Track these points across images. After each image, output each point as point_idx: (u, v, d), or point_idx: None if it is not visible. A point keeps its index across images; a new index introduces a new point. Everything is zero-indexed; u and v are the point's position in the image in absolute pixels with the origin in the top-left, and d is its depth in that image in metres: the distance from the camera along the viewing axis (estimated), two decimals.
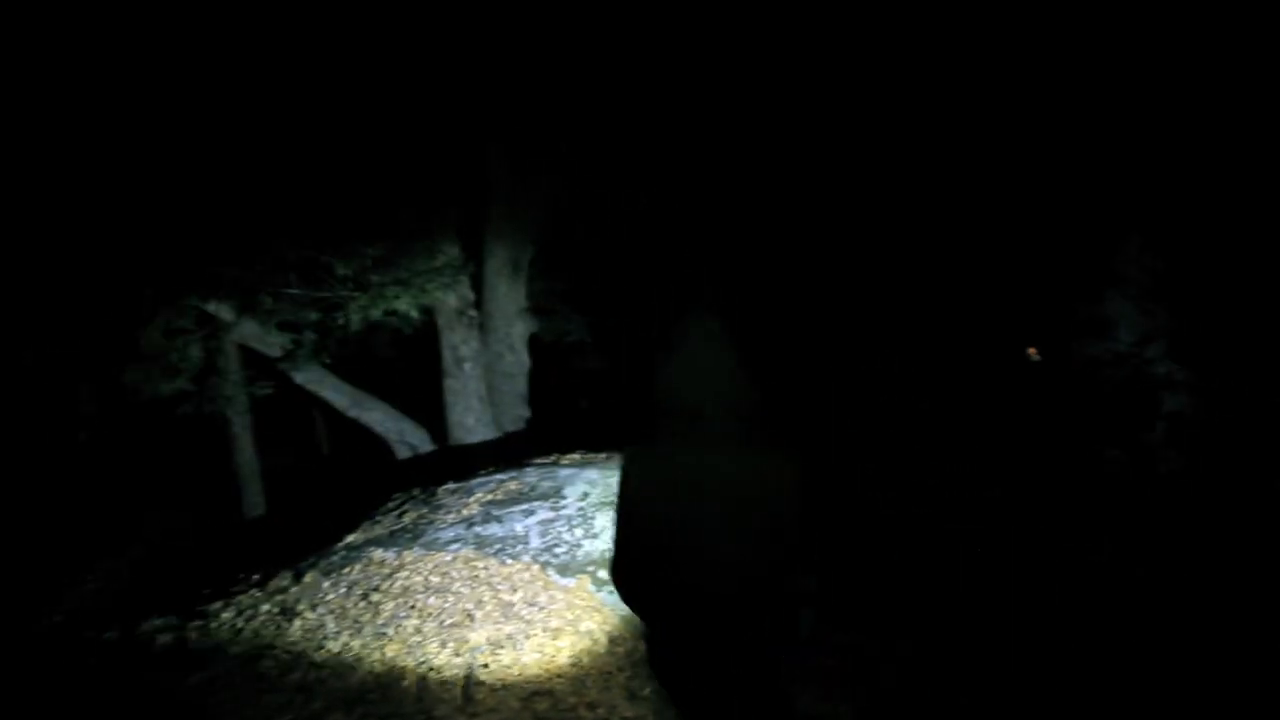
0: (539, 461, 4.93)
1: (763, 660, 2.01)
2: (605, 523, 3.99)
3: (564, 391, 9.65)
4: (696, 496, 1.88)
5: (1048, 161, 8.39)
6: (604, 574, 3.78)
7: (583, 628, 3.37)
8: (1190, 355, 8.59)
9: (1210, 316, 8.41)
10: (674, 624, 2.01)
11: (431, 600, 3.47)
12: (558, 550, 3.86)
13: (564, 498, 4.26)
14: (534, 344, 7.58)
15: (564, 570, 3.73)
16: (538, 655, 3.18)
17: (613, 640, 3.34)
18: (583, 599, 3.55)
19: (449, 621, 3.34)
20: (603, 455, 4.91)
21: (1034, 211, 8.86)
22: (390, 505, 4.65)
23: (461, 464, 5.43)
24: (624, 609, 2.97)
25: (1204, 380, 8.48)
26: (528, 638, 3.27)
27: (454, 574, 3.65)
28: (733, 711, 2.02)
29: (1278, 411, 7.10)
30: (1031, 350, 10.55)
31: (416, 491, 4.76)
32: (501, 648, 3.20)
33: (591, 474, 4.45)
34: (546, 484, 4.42)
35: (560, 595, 3.54)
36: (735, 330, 2.02)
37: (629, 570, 1.99)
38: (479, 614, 3.39)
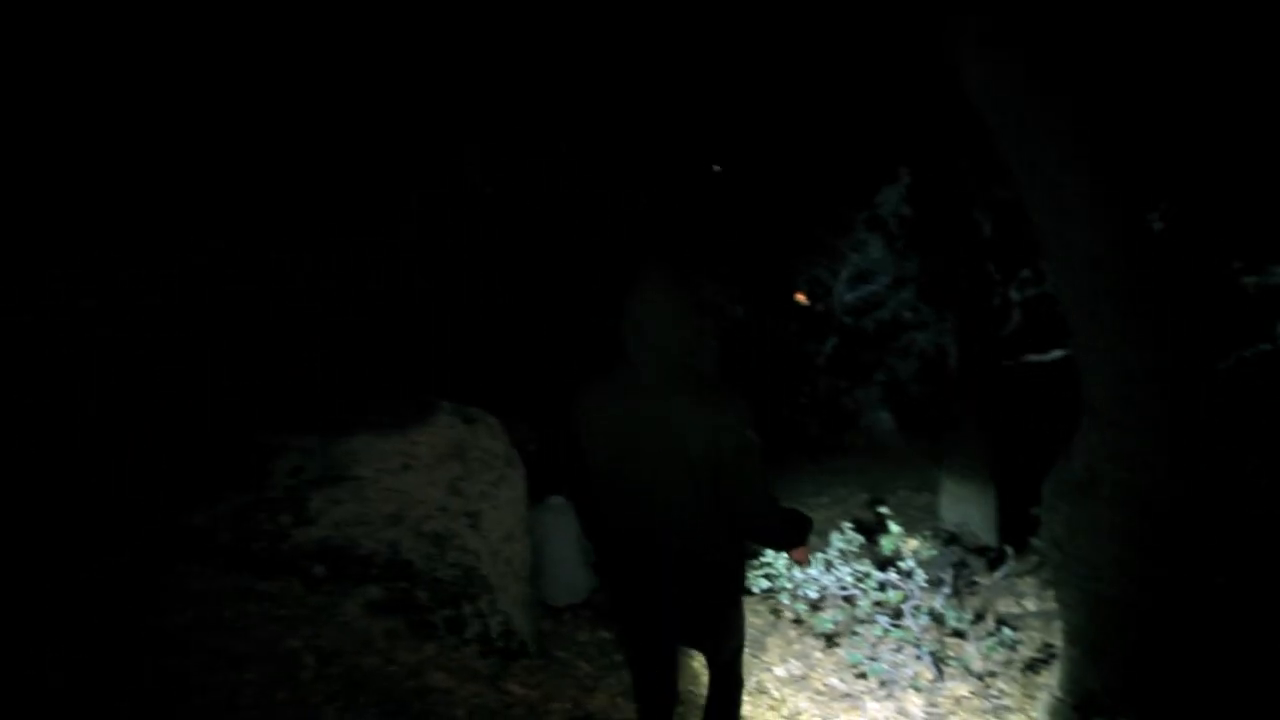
0: None
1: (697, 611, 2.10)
2: (323, 504, 3.25)
3: None
4: (637, 441, 1.94)
5: (819, 115, 8.37)
6: (321, 570, 3.06)
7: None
8: (935, 297, 9.17)
9: (953, 260, 8.92)
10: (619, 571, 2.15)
11: None
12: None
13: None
14: None
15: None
16: None
17: None
18: (286, 608, 2.81)
19: None
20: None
21: (810, 161, 8.87)
22: None
23: None
24: None
25: (944, 319, 9.14)
26: None
27: None
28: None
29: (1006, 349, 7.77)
30: (800, 295, 10.85)
31: None
32: None
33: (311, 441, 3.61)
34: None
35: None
36: (689, 282, 1.99)
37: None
38: None
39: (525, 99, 7.02)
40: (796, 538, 2.16)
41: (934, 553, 3.47)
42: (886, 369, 9.31)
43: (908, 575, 3.47)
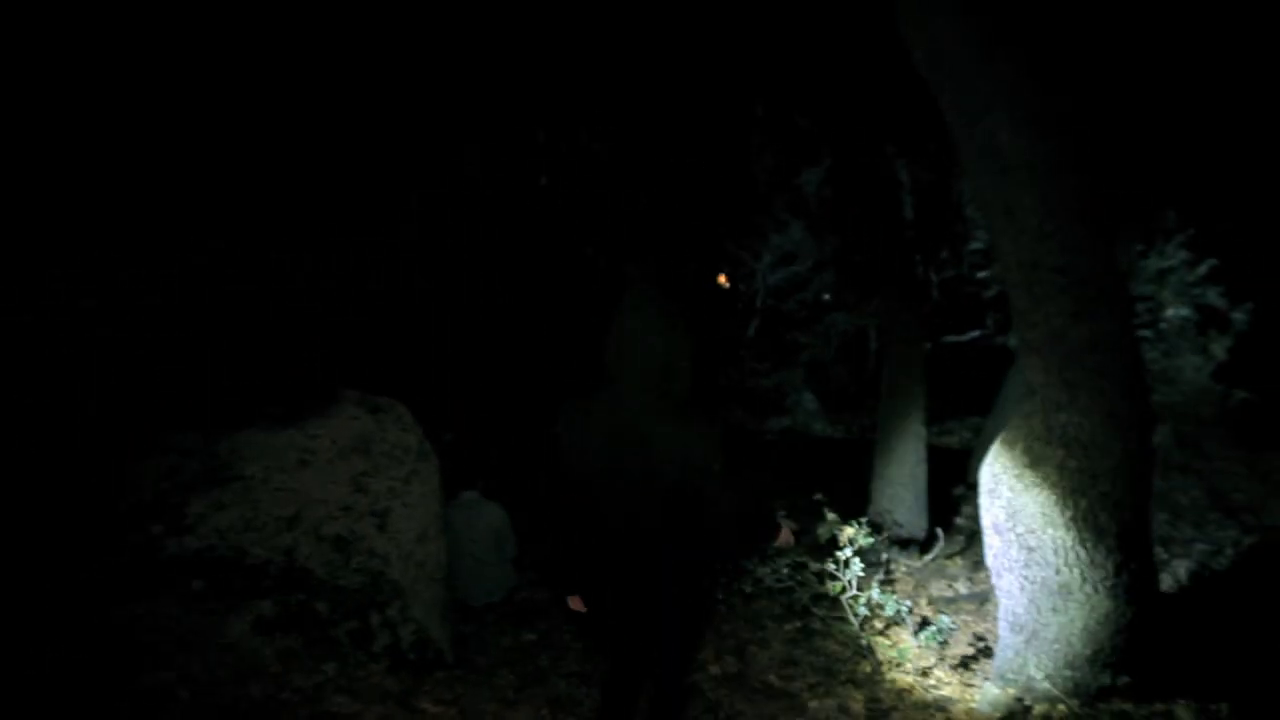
0: None
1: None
2: (205, 510, 2.84)
3: None
4: (621, 453, 1.99)
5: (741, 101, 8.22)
6: (200, 585, 2.66)
7: None
8: (853, 279, 9.19)
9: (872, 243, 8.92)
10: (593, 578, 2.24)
11: None
12: None
13: None
14: None
15: None
16: None
17: None
18: (156, 633, 2.40)
19: None
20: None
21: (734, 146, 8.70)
22: None
23: None
24: None
25: (864, 301, 9.17)
26: None
27: None
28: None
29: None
30: (722, 278, 10.73)
31: None
32: None
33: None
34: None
35: None
36: (672, 302, 2.02)
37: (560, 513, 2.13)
38: None
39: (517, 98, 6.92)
40: (765, 532, 2.30)
41: (870, 540, 3.33)
42: (809, 351, 9.31)
43: (845, 565, 3.32)
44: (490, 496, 4.43)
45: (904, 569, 4.11)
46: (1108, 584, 2.60)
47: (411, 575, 3.33)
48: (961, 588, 3.90)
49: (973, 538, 4.36)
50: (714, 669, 3.37)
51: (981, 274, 7.23)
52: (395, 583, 3.21)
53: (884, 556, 3.83)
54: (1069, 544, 2.63)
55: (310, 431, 3.34)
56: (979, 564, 4.12)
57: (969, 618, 3.61)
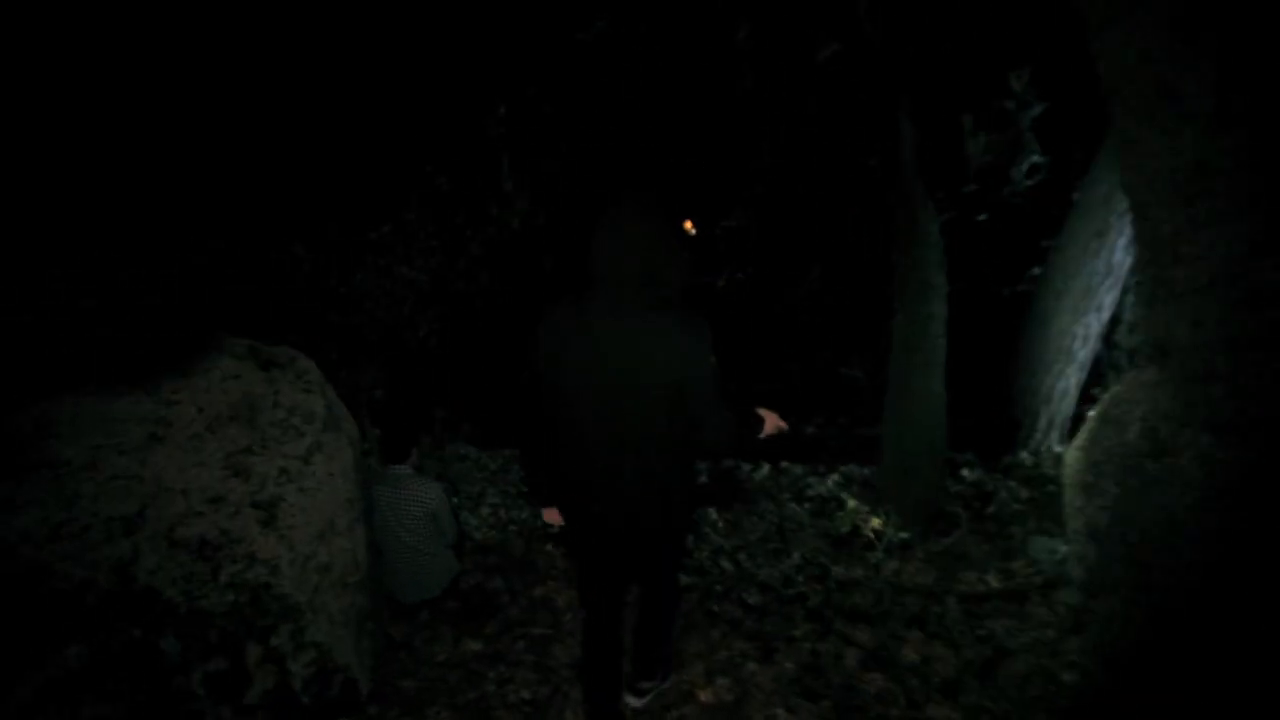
0: None
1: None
2: None
3: None
4: (610, 355, 1.85)
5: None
6: None
7: None
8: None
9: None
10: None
11: None
12: None
13: None
14: None
15: None
16: None
17: None
18: None
19: None
20: None
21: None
22: None
23: None
24: None
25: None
26: None
27: None
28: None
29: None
30: (688, 224, 9.84)
31: None
32: None
33: None
34: None
35: None
36: (667, 206, 1.91)
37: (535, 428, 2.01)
38: None
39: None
40: (752, 434, 2.09)
41: (905, 534, 2.57)
42: (788, 301, 8.50)
43: (874, 569, 2.55)
44: (428, 468, 3.55)
45: (920, 554, 3.36)
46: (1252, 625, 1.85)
47: (311, 584, 2.44)
48: (994, 580, 3.16)
49: (997, 517, 3.63)
50: (704, 695, 2.59)
51: (981, 217, 6.50)
52: (286, 598, 2.32)
53: (899, 537, 3.07)
54: (1203, 564, 1.86)
55: (166, 396, 2.38)
56: (1010, 551, 3.39)
57: (1010, 621, 2.88)
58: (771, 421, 2.15)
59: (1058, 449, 4.58)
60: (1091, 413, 2.07)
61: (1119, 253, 4.44)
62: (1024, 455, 4.50)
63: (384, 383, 4.29)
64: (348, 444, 2.84)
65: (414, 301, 5.20)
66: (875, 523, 2.58)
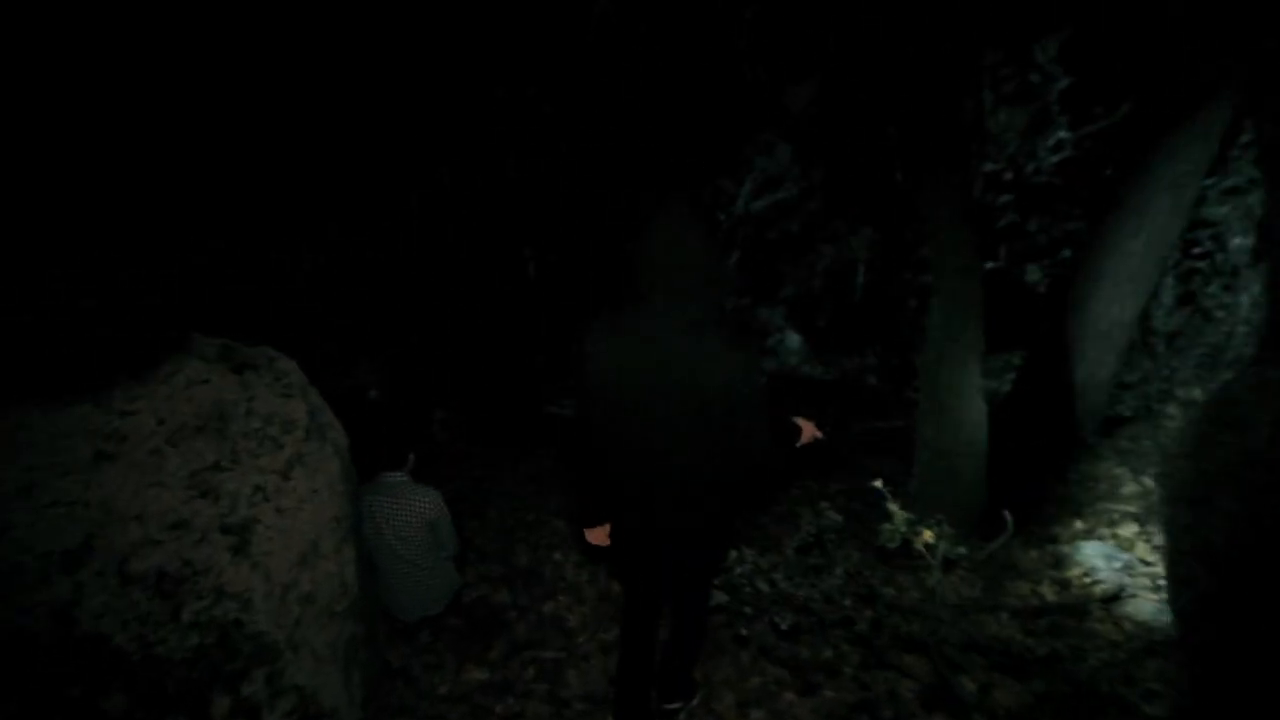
0: None
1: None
2: None
3: None
4: (661, 371, 1.77)
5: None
6: None
7: None
8: (841, 207, 7.99)
9: (860, 171, 7.72)
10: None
11: None
12: None
13: None
14: None
15: None
16: None
17: None
18: None
19: None
20: None
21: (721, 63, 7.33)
22: None
23: None
24: None
25: (855, 231, 8.02)
26: None
27: None
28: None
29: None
30: None
31: None
32: None
33: None
34: None
35: None
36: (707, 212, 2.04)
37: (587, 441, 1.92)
38: None
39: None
40: (791, 445, 2.05)
41: (961, 550, 2.24)
42: (793, 285, 8.15)
43: (929, 591, 2.21)
44: (427, 473, 3.21)
45: (965, 562, 3.03)
46: None
47: (291, 618, 2.10)
48: (1048, 592, 2.83)
49: (1041, 520, 3.30)
50: None
51: (1005, 198, 6.14)
52: (260, 636, 1.98)
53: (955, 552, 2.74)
54: None
55: (119, 406, 2.03)
56: (1061, 559, 3.06)
57: (1073, 640, 2.55)
58: (808, 431, 2.10)
59: (1092, 441, 4.26)
60: (1202, 411, 1.73)
61: (1159, 231, 4.09)
62: (1058, 450, 4.17)
63: (381, 382, 3.96)
64: (334, 454, 2.49)
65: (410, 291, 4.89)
66: (927, 535, 2.25)
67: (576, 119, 6.96)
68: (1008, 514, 3.16)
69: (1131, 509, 3.58)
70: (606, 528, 2.10)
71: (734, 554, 2.51)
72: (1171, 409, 4.41)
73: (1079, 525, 3.27)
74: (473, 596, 3.40)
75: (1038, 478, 3.74)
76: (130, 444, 1.99)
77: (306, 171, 5.08)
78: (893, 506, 2.33)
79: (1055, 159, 5.49)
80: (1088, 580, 2.82)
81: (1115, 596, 2.72)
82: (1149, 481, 3.93)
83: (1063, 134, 5.31)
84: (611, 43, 7.02)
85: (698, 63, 7.20)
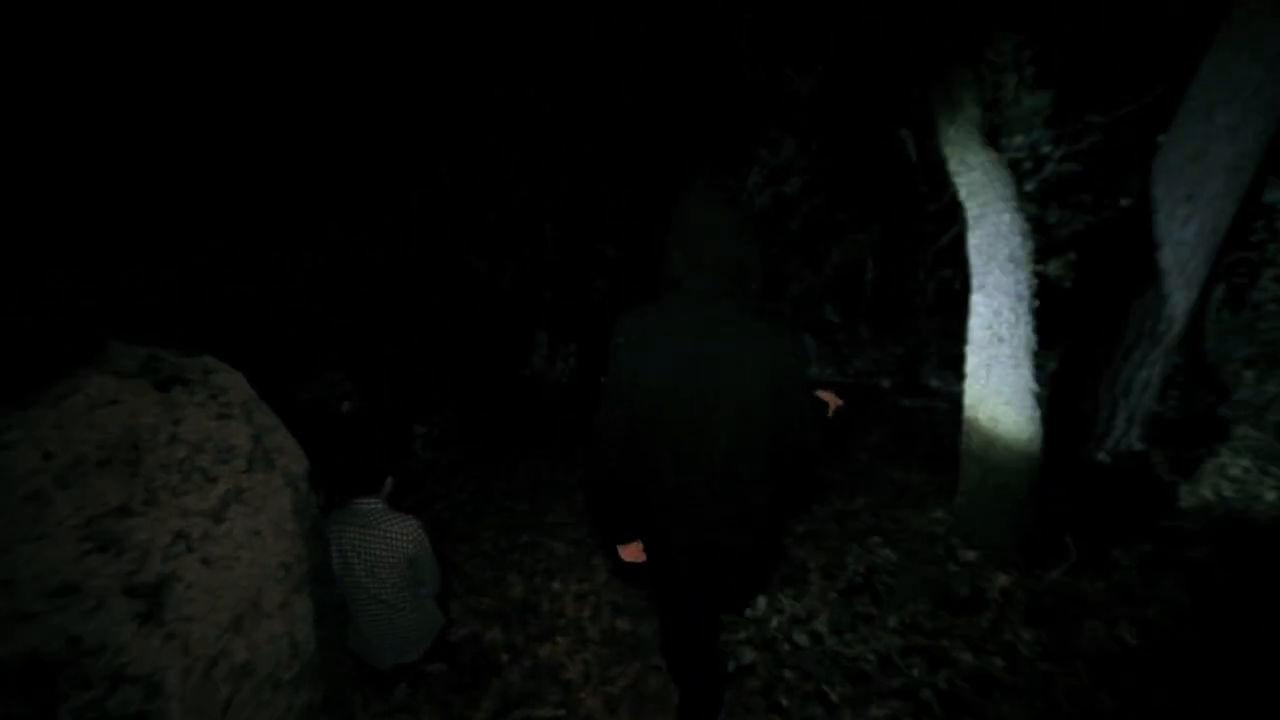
0: None
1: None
2: None
3: None
4: (698, 369, 1.61)
5: None
6: None
7: None
8: (847, 202, 7.54)
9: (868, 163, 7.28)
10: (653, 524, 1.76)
11: None
12: None
13: None
14: None
15: None
16: None
17: None
18: None
19: None
20: None
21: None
22: None
23: None
24: None
25: (864, 228, 7.57)
26: None
27: None
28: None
29: None
30: None
31: None
32: None
33: None
34: None
35: None
36: (738, 195, 1.85)
37: (612, 446, 1.69)
38: None
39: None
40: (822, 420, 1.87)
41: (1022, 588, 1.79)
42: (798, 284, 7.68)
43: (1008, 648, 1.75)
44: (409, 497, 2.74)
45: (1023, 597, 2.57)
46: None
47: (218, 701, 1.63)
48: (1127, 634, 2.37)
49: (1100, 543, 2.83)
50: None
51: (1027, 187, 5.67)
52: None
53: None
54: None
55: None
56: (1129, 587, 2.60)
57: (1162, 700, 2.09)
58: (831, 401, 1.95)
59: (1139, 448, 3.80)
60: None
61: (1213, 218, 3.64)
62: (1101, 455, 3.72)
63: (357, 392, 3.47)
64: (284, 485, 2.02)
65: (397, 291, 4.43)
66: (1003, 581, 1.79)
67: (577, 118, 6.54)
68: (1070, 539, 2.69)
69: (1195, 525, 3.13)
70: (639, 544, 1.88)
71: (763, 600, 2.04)
72: (1224, 410, 3.96)
73: (1146, 548, 2.81)
74: (460, 634, 2.94)
75: (1091, 492, 3.28)
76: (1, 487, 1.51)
77: (306, 170, 4.73)
78: (958, 544, 1.86)
79: (1078, 146, 5.03)
80: (1169, 621, 2.37)
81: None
82: (1208, 493, 3.48)
83: (1095, 118, 4.85)
84: (611, 43, 6.59)
85: (698, 62, 6.76)
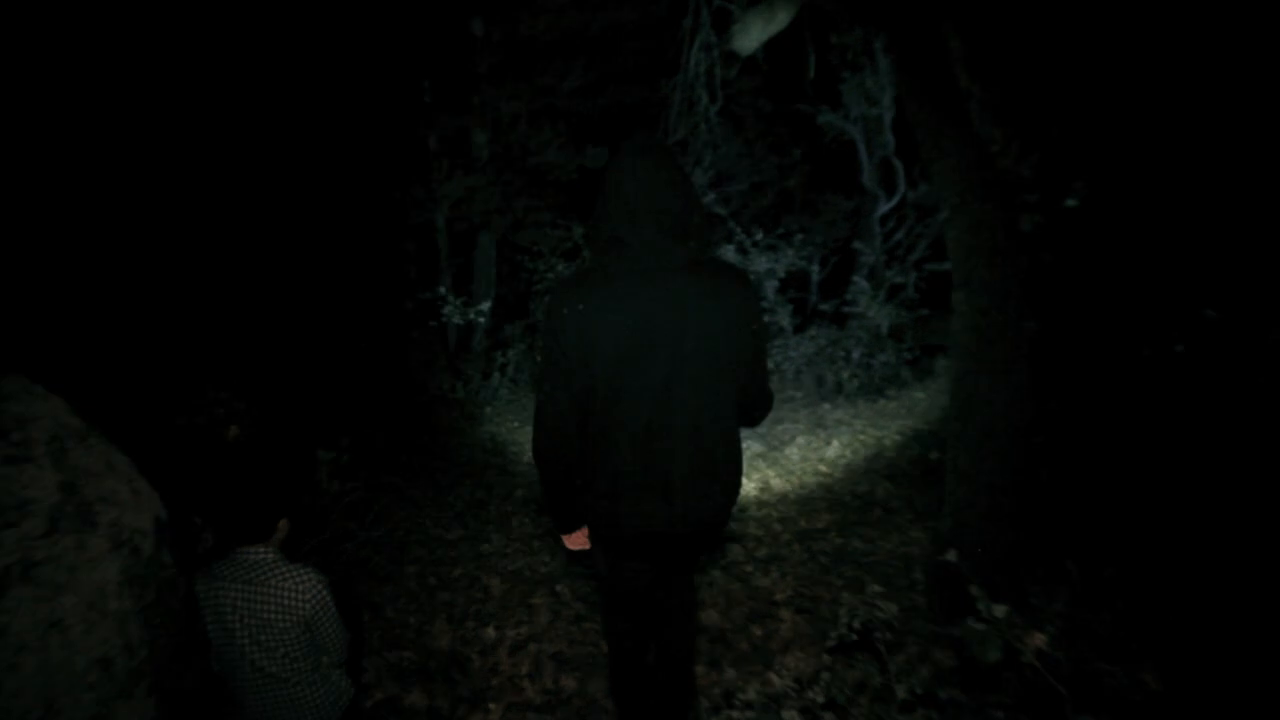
0: None
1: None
2: None
3: None
4: (652, 329, 1.48)
5: None
6: None
7: None
8: (791, 204, 7.22)
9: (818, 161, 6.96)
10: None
11: None
12: None
13: None
14: None
15: None
16: None
17: None
18: None
19: None
20: None
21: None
22: None
23: None
24: None
25: (808, 231, 7.27)
26: None
27: None
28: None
29: None
30: None
31: None
32: None
33: None
34: None
35: None
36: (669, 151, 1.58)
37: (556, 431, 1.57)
38: None
39: None
40: None
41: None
42: None
43: None
44: (309, 542, 2.21)
45: (1022, 628, 2.20)
46: None
47: None
48: (1150, 679, 2.03)
49: (1102, 564, 2.51)
50: None
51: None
52: None
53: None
54: None
55: None
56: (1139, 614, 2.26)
57: None
58: None
59: None
60: None
61: None
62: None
63: (246, 414, 2.85)
64: (110, 548, 1.47)
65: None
66: (1039, 641, 1.41)
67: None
68: (1071, 564, 2.35)
69: None
70: (585, 531, 1.78)
71: (731, 672, 1.59)
72: None
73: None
74: (376, 700, 2.41)
75: (1083, 510, 2.97)
76: None
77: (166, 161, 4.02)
78: (981, 598, 1.45)
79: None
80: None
81: None
82: None
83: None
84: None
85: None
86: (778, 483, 4.01)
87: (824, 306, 6.11)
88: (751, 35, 4.32)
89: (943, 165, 2.68)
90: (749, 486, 3.94)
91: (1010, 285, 2.51)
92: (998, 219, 2.47)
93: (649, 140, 1.58)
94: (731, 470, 1.67)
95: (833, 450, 4.39)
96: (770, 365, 5.83)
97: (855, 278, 5.68)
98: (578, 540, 1.82)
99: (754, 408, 1.71)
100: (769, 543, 3.30)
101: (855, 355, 5.42)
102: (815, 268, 6.98)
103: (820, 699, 1.51)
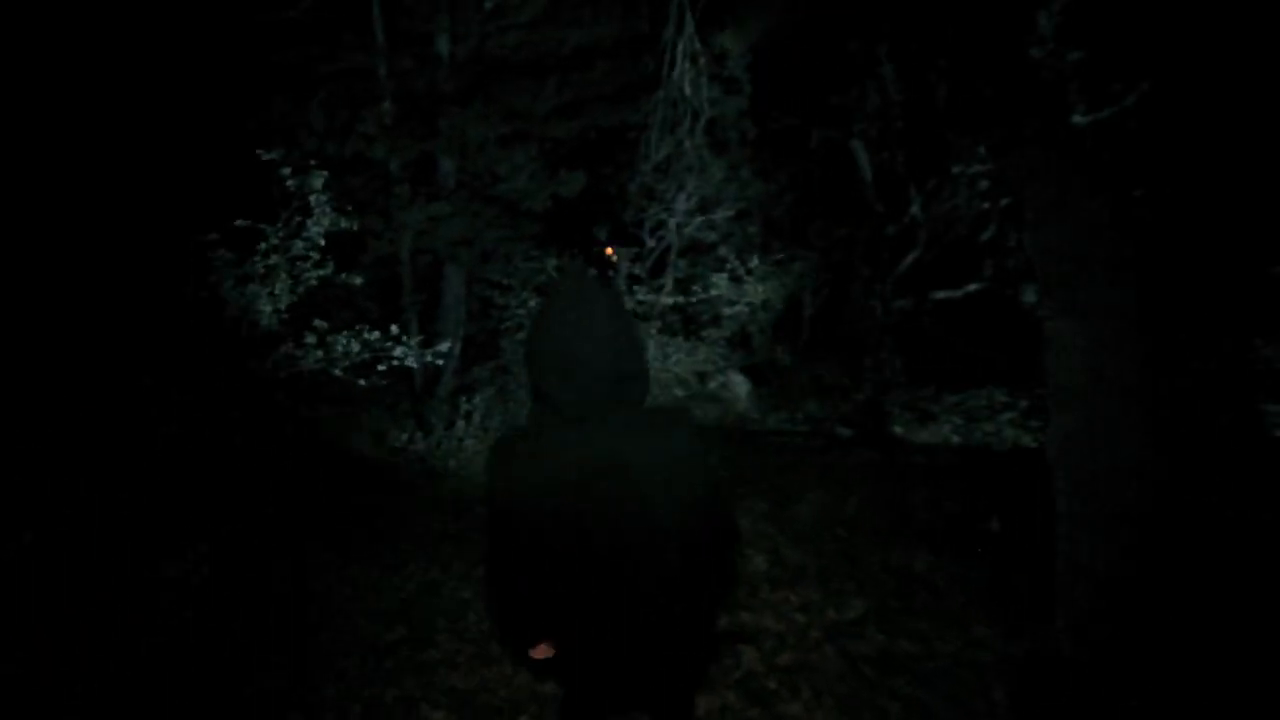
0: None
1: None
2: None
3: None
4: (588, 491, 1.29)
5: None
6: None
7: None
8: (787, 231, 6.57)
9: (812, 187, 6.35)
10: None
11: None
12: None
13: None
14: None
15: None
16: None
17: None
18: None
19: None
20: None
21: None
22: None
23: None
24: None
25: (798, 258, 6.60)
26: None
27: None
28: None
29: None
30: (609, 250, 7.93)
31: None
32: None
33: None
34: None
35: None
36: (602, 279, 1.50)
37: (503, 594, 1.41)
38: None
39: None
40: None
41: None
42: (731, 320, 6.61)
43: None
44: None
45: None
46: None
47: None
48: None
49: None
50: None
51: (986, 204, 4.78)
52: None
53: None
54: None
55: None
56: None
57: None
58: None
59: None
60: None
61: None
62: None
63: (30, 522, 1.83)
64: None
65: None
66: None
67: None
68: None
69: None
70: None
71: None
72: None
73: None
74: None
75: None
76: None
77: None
78: None
79: None
80: None
81: None
82: None
83: (1077, 118, 3.99)
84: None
85: None
86: (791, 553, 3.20)
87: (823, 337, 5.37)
88: (746, 29, 3.65)
89: (1023, 155, 1.96)
90: (758, 560, 3.12)
91: (1129, 306, 1.76)
92: (1118, 219, 1.74)
93: (581, 278, 1.32)
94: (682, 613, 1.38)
95: (850, 506, 3.60)
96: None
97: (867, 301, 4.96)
98: (541, 651, 1.49)
99: (711, 550, 1.42)
100: (793, 643, 2.48)
101: (864, 394, 4.67)
102: (809, 298, 6.30)
103: None
